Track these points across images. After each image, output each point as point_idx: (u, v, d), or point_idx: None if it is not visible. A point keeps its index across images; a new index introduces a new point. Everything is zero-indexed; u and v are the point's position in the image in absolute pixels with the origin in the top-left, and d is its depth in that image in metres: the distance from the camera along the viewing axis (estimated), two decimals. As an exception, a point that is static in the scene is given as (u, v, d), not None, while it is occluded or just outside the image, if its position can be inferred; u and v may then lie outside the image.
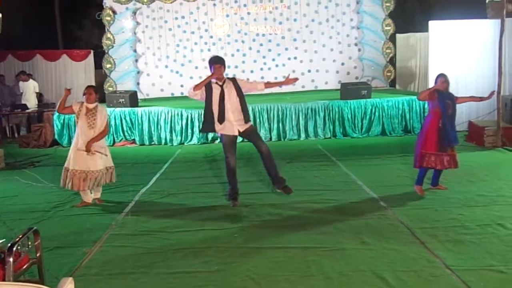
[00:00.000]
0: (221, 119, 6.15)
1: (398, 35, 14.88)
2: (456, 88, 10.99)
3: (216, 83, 6.21)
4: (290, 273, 4.20)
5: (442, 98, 6.30)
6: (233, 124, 6.18)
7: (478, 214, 5.51)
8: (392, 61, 14.85)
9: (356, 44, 14.92)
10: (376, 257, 4.45)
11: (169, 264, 4.48)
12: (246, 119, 6.25)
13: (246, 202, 6.36)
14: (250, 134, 6.36)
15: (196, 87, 6.05)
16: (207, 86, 6.15)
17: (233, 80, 6.35)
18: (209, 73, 5.98)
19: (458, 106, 10.81)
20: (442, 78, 6.35)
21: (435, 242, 4.71)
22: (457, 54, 10.96)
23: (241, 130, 6.25)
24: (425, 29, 11.86)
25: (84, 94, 6.71)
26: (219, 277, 4.20)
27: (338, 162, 8.60)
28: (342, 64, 14.95)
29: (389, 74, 14.77)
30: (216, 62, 6.18)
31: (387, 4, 14.51)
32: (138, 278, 4.24)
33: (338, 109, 11.29)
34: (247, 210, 6.07)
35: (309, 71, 14.96)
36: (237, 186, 6.39)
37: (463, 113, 11.12)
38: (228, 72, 14.73)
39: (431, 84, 10.99)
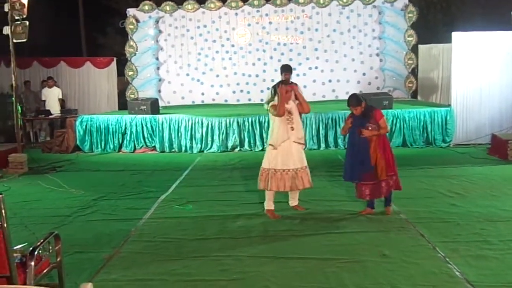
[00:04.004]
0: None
1: (420, 46, 14.78)
2: (479, 99, 10.94)
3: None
4: (309, 284, 4.16)
5: (354, 123, 5.95)
6: None
7: (501, 229, 5.40)
8: (414, 72, 14.73)
9: (377, 55, 14.84)
10: (395, 270, 4.39)
11: (188, 271, 4.49)
12: None
13: (265, 211, 6.35)
14: None
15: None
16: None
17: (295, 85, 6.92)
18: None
19: (480, 118, 10.79)
20: (350, 107, 5.95)
21: (457, 257, 4.62)
22: (481, 65, 10.82)
23: None
24: (448, 40, 11.75)
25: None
26: (237, 286, 4.19)
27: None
28: (364, 74, 14.88)
29: (410, 85, 14.64)
30: (285, 70, 6.73)
31: (410, 15, 14.41)
32: (157, 285, 4.26)
33: (359, 119, 11.21)
34: (266, 220, 6.06)
35: (330, 81, 14.93)
36: None
37: (486, 126, 11.00)
38: (249, 81, 14.89)
39: (453, 95, 11.00)
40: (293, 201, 6.43)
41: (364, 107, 5.90)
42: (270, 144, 6.16)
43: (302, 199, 6.53)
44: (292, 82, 7.22)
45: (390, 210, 6.14)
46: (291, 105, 6.17)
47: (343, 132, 6.29)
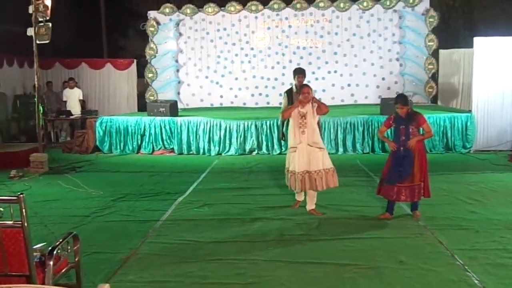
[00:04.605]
0: None
1: (441, 51, 14.61)
2: (501, 105, 10.80)
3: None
4: (325, 289, 4.15)
5: (397, 123, 6.03)
6: None
7: (521, 238, 5.33)
8: (434, 77, 14.58)
9: (397, 59, 14.73)
10: (413, 277, 4.35)
11: (204, 274, 4.50)
12: None
13: (281, 215, 6.35)
14: None
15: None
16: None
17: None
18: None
19: (501, 125, 10.63)
20: (397, 105, 6.00)
21: (475, 265, 4.57)
22: (503, 71, 10.68)
23: None
24: (469, 45, 11.62)
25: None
26: (252, 290, 4.20)
27: (376, 178, 8.45)
28: (383, 79, 14.79)
29: (430, 90, 14.50)
30: (298, 73, 7.27)
31: (431, 20, 14.29)
32: (173, 287, 4.28)
33: (378, 124, 11.13)
34: (282, 224, 6.05)
35: (349, 85, 14.86)
36: None
37: (508, 132, 10.84)
38: (268, 84, 14.90)
39: (474, 101, 10.86)
40: (310, 205, 6.46)
41: (410, 109, 5.98)
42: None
43: (319, 204, 6.52)
44: (305, 84, 7.27)
45: (418, 214, 6.14)
46: (306, 109, 6.24)
47: (380, 134, 6.36)
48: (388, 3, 14.58)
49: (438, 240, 5.28)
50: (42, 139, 10.29)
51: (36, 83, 9.78)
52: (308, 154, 6.24)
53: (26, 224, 3.10)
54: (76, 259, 3.75)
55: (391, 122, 6.13)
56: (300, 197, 6.69)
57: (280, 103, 13.74)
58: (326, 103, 6.52)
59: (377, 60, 14.77)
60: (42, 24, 9.38)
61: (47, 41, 9.47)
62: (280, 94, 14.41)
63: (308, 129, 6.24)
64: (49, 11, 9.34)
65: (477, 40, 10.89)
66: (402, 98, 6.05)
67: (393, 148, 5.99)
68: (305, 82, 7.20)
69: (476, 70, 10.88)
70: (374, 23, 14.71)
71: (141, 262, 4.85)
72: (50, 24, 9.41)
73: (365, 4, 14.65)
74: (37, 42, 9.43)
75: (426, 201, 6.36)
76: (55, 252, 3.39)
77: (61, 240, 3.55)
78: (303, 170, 6.23)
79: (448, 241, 5.23)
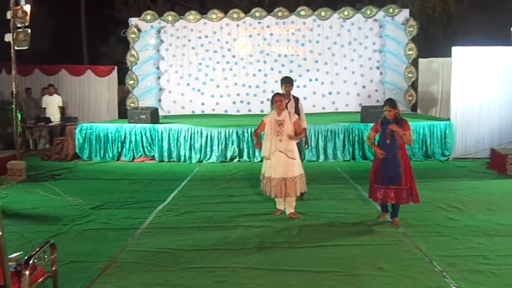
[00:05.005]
0: None
1: (420, 60, 14.84)
2: (479, 113, 10.96)
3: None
4: (304, 297, 4.15)
5: (383, 127, 6.17)
6: None
7: (498, 244, 5.39)
8: (414, 85, 14.79)
9: (378, 68, 14.91)
10: (392, 284, 4.37)
11: (183, 282, 4.47)
12: None
13: (262, 223, 6.34)
14: None
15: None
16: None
17: (296, 100, 7.29)
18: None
19: (479, 133, 10.79)
20: (386, 107, 6.14)
21: (453, 271, 4.61)
22: (480, 80, 10.87)
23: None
24: (448, 54, 11.80)
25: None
26: (232, 298, 4.17)
27: (356, 186, 8.53)
28: (363, 87, 14.94)
29: (410, 98, 14.70)
30: (286, 82, 7.23)
31: (410, 29, 14.51)
32: (152, 295, 4.24)
33: (358, 132, 11.24)
34: (263, 231, 6.04)
35: (330, 93, 14.98)
36: None
37: (485, 140, 11.01)
38: (249, 92, 14.93)
39: (453, 109, 11.01)
40: (288, 209, 6.58)
41: (397, 114, 6.11)
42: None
43: (299, 210, 6.58)
44: (293, 96, 7.35)
45: (398, 221, 6.23)
46: (283, 116, 6.31)
47: (368, 141, 6.43)
48: (368, 12, 14.77)
49: (417, 247, 5.32)
50: (20, 146, 10.14)
51: (14, 89, 9.65)
52: (284, 161, 6.33)
53: (1, 233, 3.04)
54: (53, 268, 3.70)
55: (378, 126, 6.24)
56: (281, 206, 6.72)
57: (262, 111, 13.90)
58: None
59: (358, 68, 14.93)
60: (21, 30, 9.26)
61: (26, 47, 9.35)
62: (262, 102, 14.58)
63: (284, 136, 6.34)
64: (28, 17, 9.24)
65: (455, 50, 11.07)
66: (391, 102, 6.20)
67: (381, 156, 6.04)
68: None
69: (454, 79, 11.04)
70: (355, 32, 14.88)
71: (120, 270, 4.79)
72: (29, 30, 9.31)
73: (346, 13, 14.82)
74: (16, 48, 9.31)
75: (406, 208, 6.41)
76: (31, 262, 3.34)
77: (37, 249, 3.50)
78: (279, 177, 6.34)
79: (427, 248, 5.27)
